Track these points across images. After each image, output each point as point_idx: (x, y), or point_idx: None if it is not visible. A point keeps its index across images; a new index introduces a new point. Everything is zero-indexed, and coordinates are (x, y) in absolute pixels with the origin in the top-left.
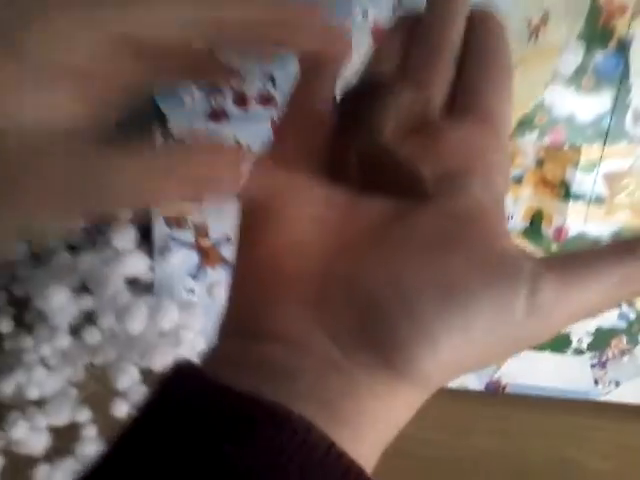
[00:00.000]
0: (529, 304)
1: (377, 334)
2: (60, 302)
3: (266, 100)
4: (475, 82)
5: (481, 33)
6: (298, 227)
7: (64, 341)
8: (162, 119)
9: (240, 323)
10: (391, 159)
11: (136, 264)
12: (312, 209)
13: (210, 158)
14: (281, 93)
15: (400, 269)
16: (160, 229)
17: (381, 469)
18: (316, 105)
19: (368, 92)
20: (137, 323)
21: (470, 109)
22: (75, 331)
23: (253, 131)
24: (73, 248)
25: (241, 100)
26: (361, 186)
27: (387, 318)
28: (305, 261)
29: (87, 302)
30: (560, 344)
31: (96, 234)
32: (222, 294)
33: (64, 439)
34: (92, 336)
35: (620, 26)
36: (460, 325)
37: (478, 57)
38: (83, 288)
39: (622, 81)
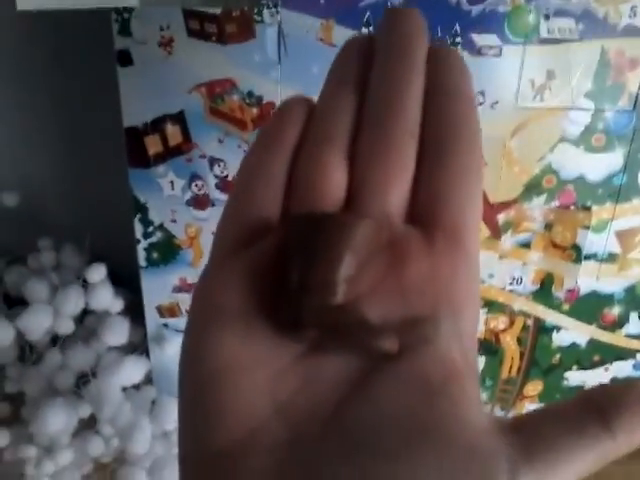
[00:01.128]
0: None
1: None
2: (58, 422)
3: None
4: (442, 182)
5: (446, 93)
6: (252, 412)
7: (66, 457)
8: (140, 208)
9: None
10: (346, 318)
11: (133, 370)
12: (263, 386)
13: None
14: None
15: (367, 471)
16: (152, 318)
17: None
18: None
19: (319, 226)
20: (141, 445)
21: (437, 223)
22: (76, 436)
23: None
24: (63, 345)
25: (225, 185)
26: (316, 345)
27: None
28: (254, 461)
29: (85, 411)
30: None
31: (87, 330)
32: None
33: None
34: (94, 447)
35: (631, 81)
36: None
37: (445, 134)
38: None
39: (634, 137)
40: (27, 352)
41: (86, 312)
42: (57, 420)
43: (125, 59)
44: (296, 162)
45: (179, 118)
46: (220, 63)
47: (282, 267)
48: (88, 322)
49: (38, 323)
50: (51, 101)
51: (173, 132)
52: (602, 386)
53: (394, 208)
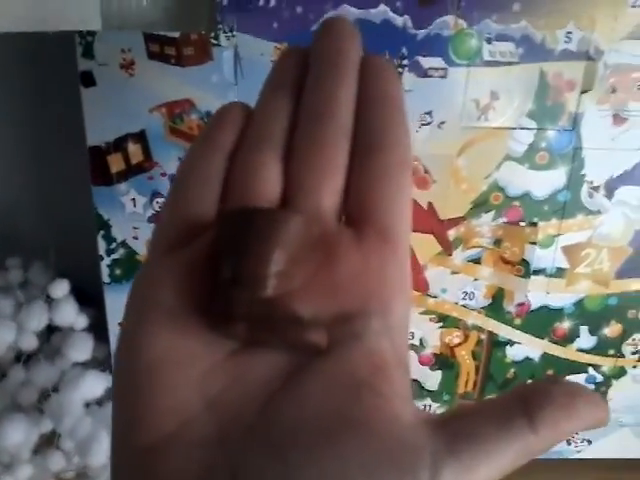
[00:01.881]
0: None
1: None
2: (18, 438)
3: None
4: (371, 180)
5: (376, 98)
6: (180, 408)
7: (26, 472)
8: (103, 225)
9: None
10: (276, 312)
11: (94, 385)
12: (193, 382)
13: None
14: None
15: (290, 465)
16: (116, 335)
17: None
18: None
19: (250, 221)
20: (100, 459)
21: (367, 220)
22: (37, 452)
23: None
24: (27, 362)
25: None
26: (248, 340)
27: None
28: (181, 456)
29: (47, 426)
30: None
31: (52, 348)
32: None
33: None
34: (55, 462)
35: (570, 101)
36: None
37: (375, 135)
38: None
39: (575, 156)
40: None
41: (51, 330)
42: (17, 435)
43: (88, 80)
44: (232, 164)
45: (140, 137)
46: (179, 84)
47: (215, 263)
48: (53, 340)
49: (1, 339)
50: (17, 121)
51: (135, 151)
52: (531, 382)
53: (326, 206)
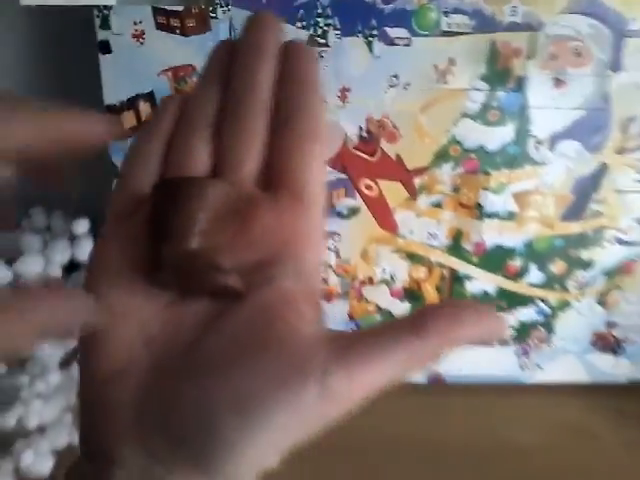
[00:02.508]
0: (321, 396)
1: (190, 452)
2: (47, 351)
3: None
4: (286, 148)
5: (293, 77)
6: (125, 350)
7: (55, 377)
8: (117, 172)
9: (84, 445)
10: (200, 262)
11: None
12: (136, 329)
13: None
14: None
15: (205, 388)
16: None
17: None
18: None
19: (176, 187)
20: None
21: (282, 183)
22: (65, 364)
23: None
24: None
25: None
26: (180, 292)
27: (195, 438)
28: (126, 386)
29: (70, 345)
30: None
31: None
32: None
33: (65, 461)
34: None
35: (516, 67)
36: (261, 435)
37: (290, 109)
38: None
39: (522, 114)
40: None
41: (73, 267)
42: (46, 349)
43: (105, 48)
44: (169, 147)
45: (150, 97)
46: (183, 52)
47: (150, 226)
48: (75, 277)
49: (31, 270)
50: (43, 85)
51: (145, 109)
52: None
53: (245, 173)
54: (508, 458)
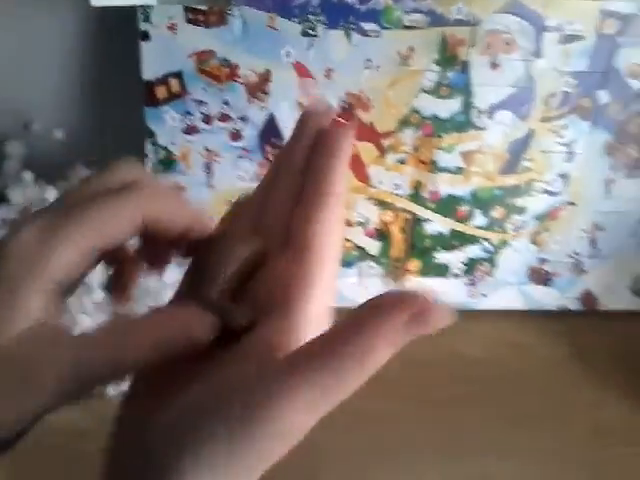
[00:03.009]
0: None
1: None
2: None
3: (224, 118)
4: (304, 219)
5: (322, 161)
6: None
7: (98, 296)
8: (152, 134)
9: None
10: (218, 312)
11: None
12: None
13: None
14: (234, 111)
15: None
16: None
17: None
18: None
19: (211, 244)
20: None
21: (292, 243)
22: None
23: (216, 140)
24: None
25: (207, 118)
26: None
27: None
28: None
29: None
30: (442, 271)
31: None
32: None
33: None
34: None
35: (461, 53)
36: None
37: (314, 186)
38: None
39: (467, 90)
40: None
41: None
42: None
43: (146, 37)
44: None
45: (179, 75)
46: (206, 40)
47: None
48: None
49: None
50: (95, 68)
51: (174, 84)
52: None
53: (270, 241)
54: (453, 366)
